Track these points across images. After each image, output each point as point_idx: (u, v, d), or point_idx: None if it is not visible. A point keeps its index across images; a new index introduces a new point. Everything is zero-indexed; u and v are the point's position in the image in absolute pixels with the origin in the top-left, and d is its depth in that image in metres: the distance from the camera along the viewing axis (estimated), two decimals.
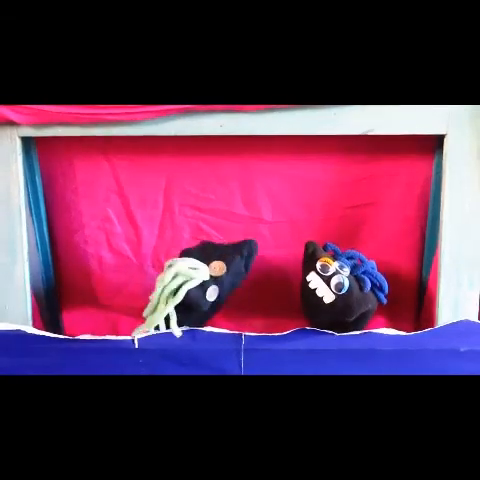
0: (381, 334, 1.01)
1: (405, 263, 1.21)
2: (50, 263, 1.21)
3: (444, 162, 1.05)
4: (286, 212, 1.20)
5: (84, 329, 1.21)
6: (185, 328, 1.03)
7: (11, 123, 1.05)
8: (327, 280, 1.00)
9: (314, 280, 1.01)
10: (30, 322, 1.11)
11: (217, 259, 1.05)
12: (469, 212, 1.06)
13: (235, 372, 0.99)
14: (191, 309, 1.01)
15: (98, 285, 1.26)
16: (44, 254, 1.19)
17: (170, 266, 1.01)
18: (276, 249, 1.22)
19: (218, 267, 1.04)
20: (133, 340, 1.00)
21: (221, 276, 1.04)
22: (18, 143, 1.07)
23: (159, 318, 0.99)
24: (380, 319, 1.20)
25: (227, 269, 1.04)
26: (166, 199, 1.20)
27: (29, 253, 1.11)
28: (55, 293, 1.25)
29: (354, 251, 1.05)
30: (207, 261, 1.04)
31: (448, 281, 1.08)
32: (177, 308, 1.00)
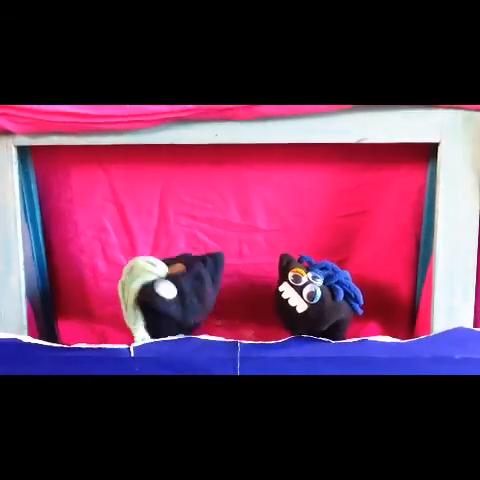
0: (376, 342, 1.02)
1: (399, 271, 1.21)
2: (46, 272, 1.21)
3: (438, 170, 1.06)
4: (281, 220, 1.21)
5: (79, 338, 1.21)
6: (181, 336, 1.03)
7: (7, 132, 1.05)
8: (299, 290, 1.00)
9: (286, 290, 1.02)
10: (26, 330, 1.11)
11: (180, 263, 1.05)
12: (463, 220, 1.06)
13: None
14: (150, 310, 0.99)
15: (92, 294, 1.26)
16: (40, 263, 1.19)
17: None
18: (271, 257, 1.21)
19: (176, 267, 1.03)
20: (129, 348, 1.00)
21: (177, 274, 1.01)
22: (14, 152, 1.07)
23: (131, 320, 1.00)
24: (375, 327, 1.21)
25: (186, 269, 1.02)
26: (161, 208, 1.21)
27: (25, 262, 1.11)
28: (50, 302, 1.25)
29: (327, 262, 1.06)
30: (171, 264, 1.04)
31: (442, 290, 1.08)
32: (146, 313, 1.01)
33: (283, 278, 1.03)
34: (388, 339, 1.02)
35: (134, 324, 1.01)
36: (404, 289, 1.21)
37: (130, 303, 0.99)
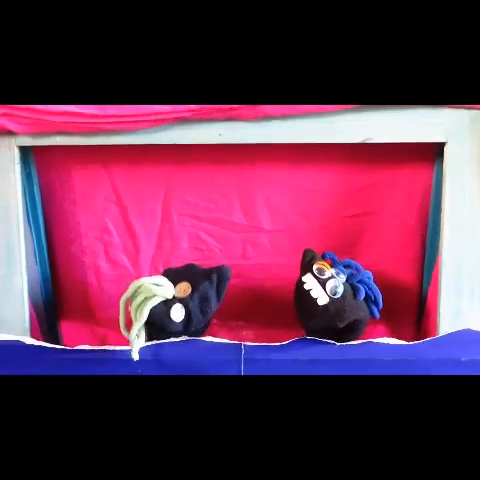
0: (382, 344, 1.01)
1: (405, 272, 1.20)
2: (48, 274, 1.20)
3: (444, 170, 1.05)
4: (285, 221, 1.20)
5: (81, 340, 1.21)
6: (184, 338, 1.02)
7: (9, 132, 1.04)
8: (323, 283, 1.00)
9: (309, 281, 1.01)
10: (28, 333, 1.10)
11: (185, 280, 1.03)
12: (470, 221, 1.05)
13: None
14: (157, 328, 1.00)
15: (94, 296, 1.25)
16: (42, 265, 1.18)
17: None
18: (275, 258, 1.21)
19: (183, 288, 1.02)
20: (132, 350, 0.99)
21: (185, 297, 1.01)
22: (16, 152, 1.07)
23: (132, 336, 0.98)
24: (381, 329, 1.20)
25: (192, 291, 1.01)
26: (165, 209, 1.20)
27: (27, 263, 1.10)
28: (53, 304, 1.24)
29: (351, 260, 1.06)
30: (176, 282, 1.03)
31: (448, 291, 1.07)
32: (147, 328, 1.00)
33: (306, 270, 1.03)
34: (394, 341, 1.02)
35: (131, 342, 1.00)
36: (410, 290, 1.20)
37: (138, 323, 0.98)
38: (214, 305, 1.01)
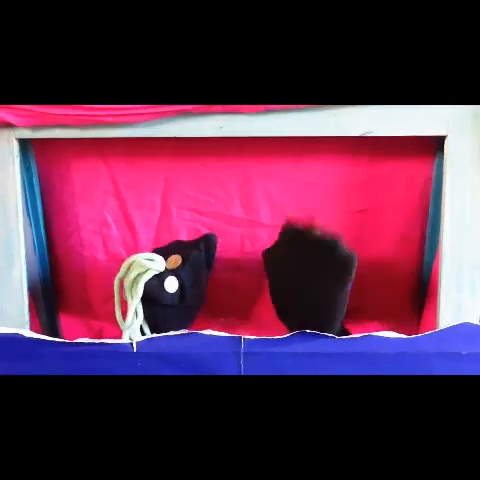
0: (382, 337, 1.01)
1: (406, 266, 1.20)
2: (47, 266, 1.20)
3: (445, 164, 1.04)
4: (285, 215, 1.19)
5: (80, 332, 1.21)
6: (184, 331, 1.02)
7: (8, 125, 1.04)
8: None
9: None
10: (27, 325, 1.10)
11: (174, 253, 1.05)
12: (470, 214, 1.05)
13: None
14: (153, 302, 1.02)
15: (92, 289, 1.25)
16: (41, 257, 1.18)
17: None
18: None
19: (173, 260, 1.03)
20: (131, 344, 0.99)
21: (177, 268, 1.02)
22: (15, 145, 1.06)
23: (130, 316, 1.00)
24: (381, 322, 1.20)
25: (183, 261, 1.03)
26: (164, 202, 1.19)
27: (26, 256, 1.10)
28: (52, 296, 1.24)
29: None
30: (166, 256, 1.05)
31: (449, 285, 1.07)
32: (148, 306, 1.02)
33: None
34: (394, 334, 1.02)
35: (129, 323, 1.02)
36: (410, 284, 1.20)
37: (134, 301, 1.00)
38: (205, 275, 1.04)
